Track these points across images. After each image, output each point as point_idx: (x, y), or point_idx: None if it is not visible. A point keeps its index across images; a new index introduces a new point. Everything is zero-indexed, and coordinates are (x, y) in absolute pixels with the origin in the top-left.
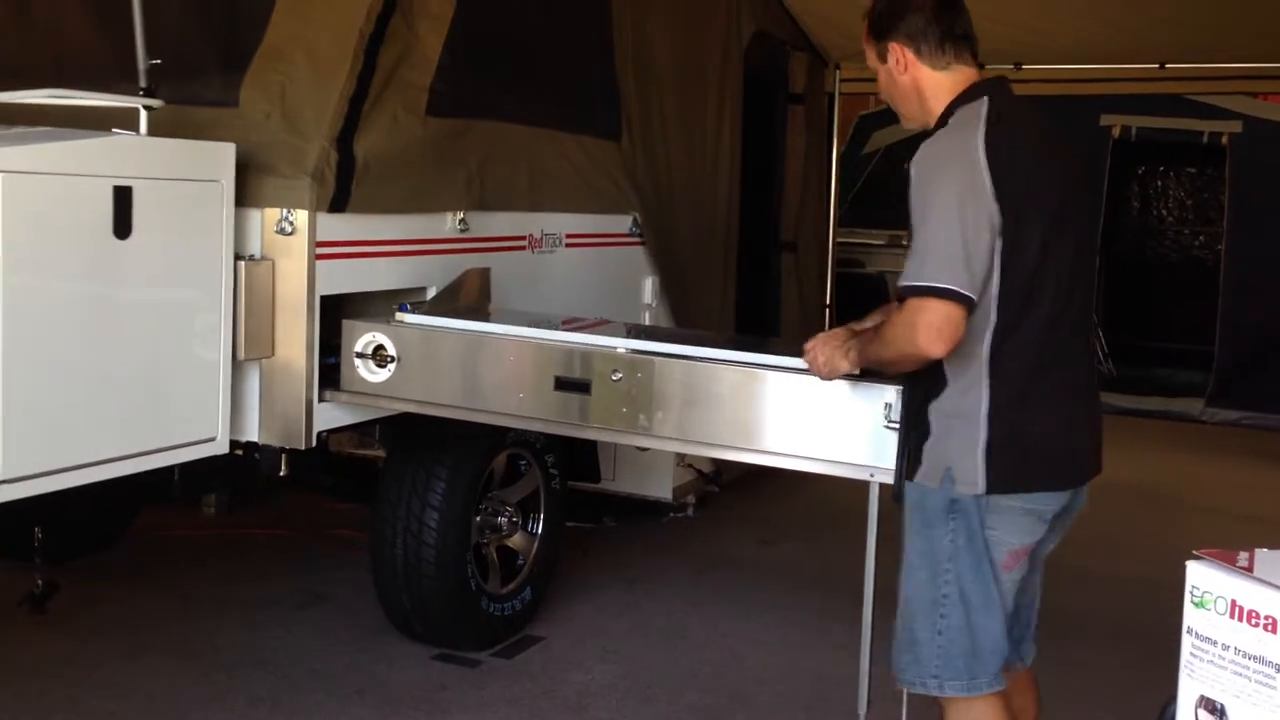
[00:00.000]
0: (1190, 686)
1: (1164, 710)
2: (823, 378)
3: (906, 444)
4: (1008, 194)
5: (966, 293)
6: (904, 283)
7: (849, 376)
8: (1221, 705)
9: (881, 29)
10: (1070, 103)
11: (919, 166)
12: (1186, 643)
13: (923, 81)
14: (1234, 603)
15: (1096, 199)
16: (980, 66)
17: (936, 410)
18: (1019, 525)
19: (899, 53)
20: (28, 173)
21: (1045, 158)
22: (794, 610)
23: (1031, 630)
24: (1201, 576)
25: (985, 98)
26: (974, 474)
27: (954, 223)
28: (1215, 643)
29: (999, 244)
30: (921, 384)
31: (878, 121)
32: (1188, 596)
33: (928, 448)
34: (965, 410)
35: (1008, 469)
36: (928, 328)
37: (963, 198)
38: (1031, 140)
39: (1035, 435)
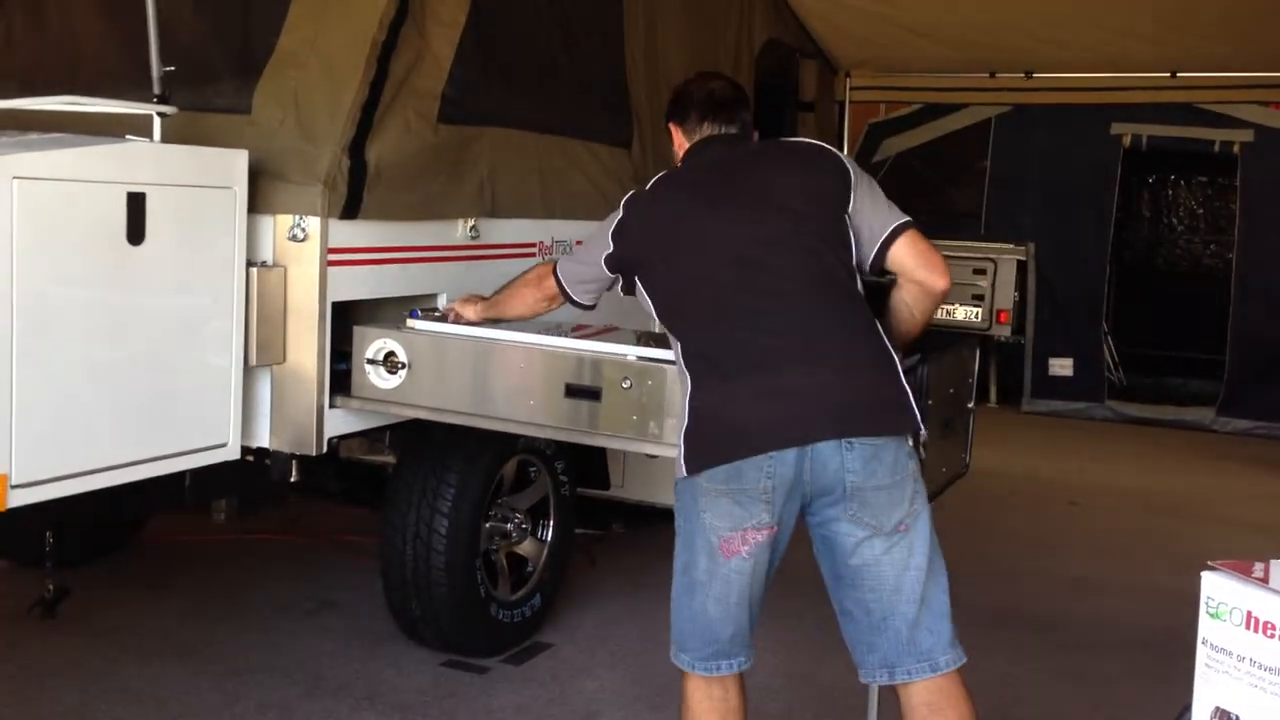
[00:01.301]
0: (1205, 698)
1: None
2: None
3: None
4: (634, 242)
5: (566, 286)
6: (558, 259)
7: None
8: (1237, 716)
9: (668, 113)
10: (1081, 111)
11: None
12: (1201, 654)
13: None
14: (1250, 614)
15: (837, 193)
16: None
17: None
18: (720, 507)
19: (674, 131)
20: (42, 179)
21: (699, 194)
22: (803, 618)
23: (914, 647)
24: (1217, 587)
25: (662, 176)
26: (681, 458)
27: (586, 248)
28: (1230, 654)
29: (639, 273)
30: None
31: (888, 129)
32: (1203, 607)
33: None
34: (683, 404)
35: (694, 450)
36: (545, 288)
37: (598, 236)
38: (673, 202)
39: (705, 414)
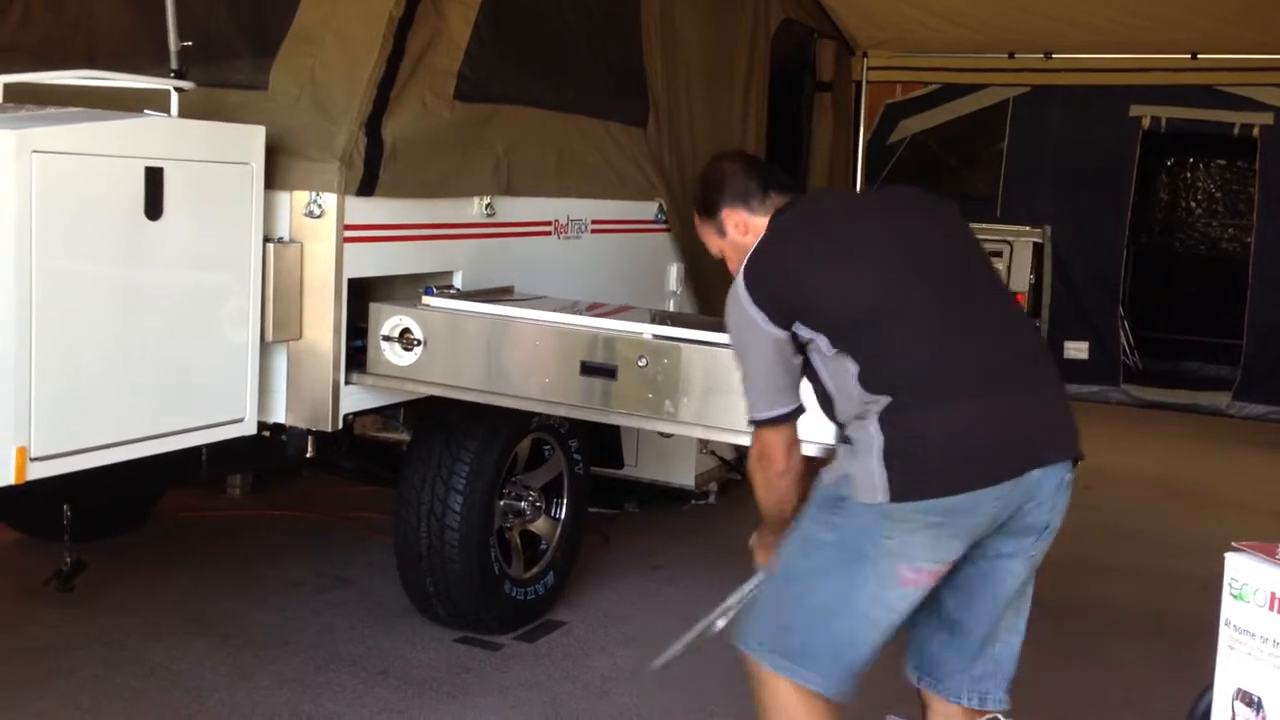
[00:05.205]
0: (1227, 680)
1: (1198, 700)
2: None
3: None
4: (785, 304)
5: (787, 409)
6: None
7: None
8: (1259, 698)
9: (712, 206)
10: (1100, 93)
11: (726, 313)
12: (1224, 635)
13: (756, 232)
14: (1274, 595)
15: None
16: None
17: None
18: (919, 540)
19: (736, 217)
20: (61, 153)
21: (835, 229)
22: None
23: (1001, 671)
24: (1241, 569)
25: (770, 225)
26: (870, 482)
27: (755, 363)
28: (1254, 635)
29: (808, 324)
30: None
31: (904, 110)
32: (1226, 588)
33: (839, 449)
34: (862, 423)
35: (902, 477)
36: (763, 453)
37: (752, 342)
38: (810, 229)
39: (924, 440)
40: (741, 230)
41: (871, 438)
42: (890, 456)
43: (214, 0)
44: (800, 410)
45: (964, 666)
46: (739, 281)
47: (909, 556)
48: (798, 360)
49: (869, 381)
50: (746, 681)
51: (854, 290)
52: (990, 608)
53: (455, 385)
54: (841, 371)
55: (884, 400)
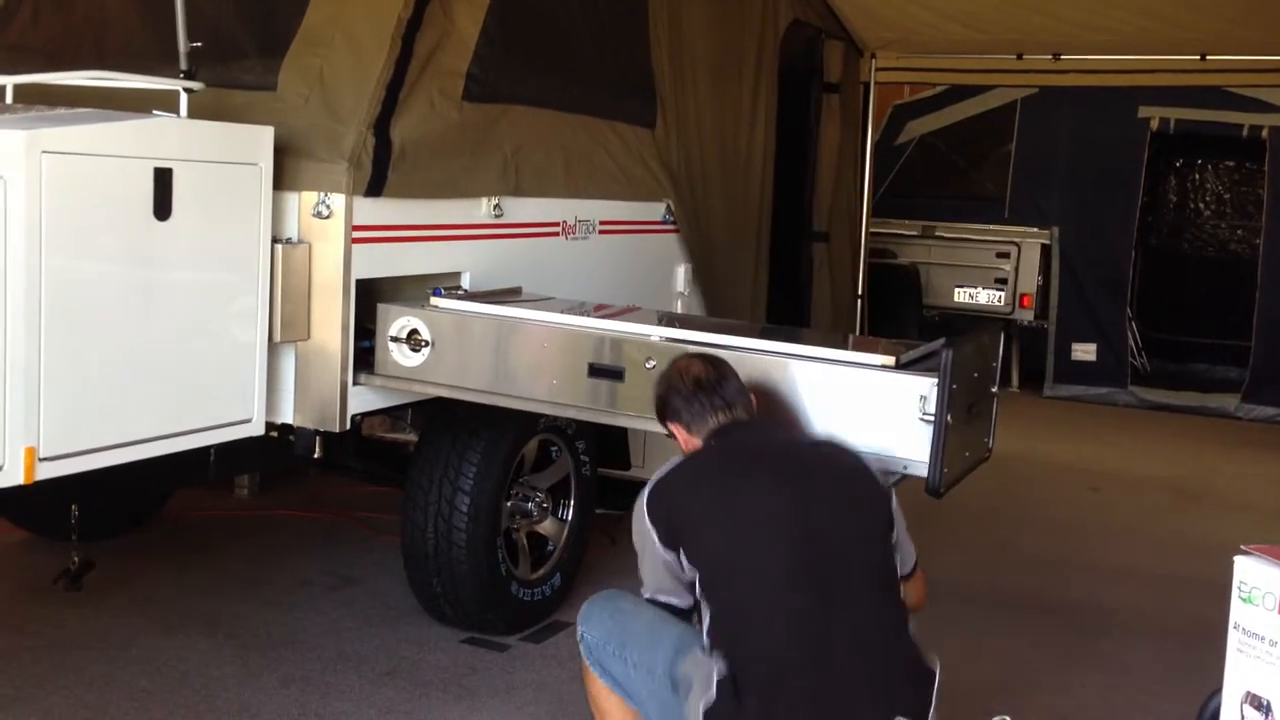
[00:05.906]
0: (1236, 683)
1: (1207, 702)
2: None
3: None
4: (674, 531)
5: (667, 600)
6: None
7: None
8: (1268, 701)
9: (661, 416)
10: (1109, 94)
11: (634, 515)
12: (1233, 638)
13: (694, 447)
14: None
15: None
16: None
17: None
18: None
19: (679, 431)
20: (70, 153)
21: (734, 480)
22: None
23: None
24: (1250, 572)
25: (687, 456)
26: (693, 716)
27: (648, 566)
28: (1263, 639)
29: (684, 558)
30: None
31: (912, 111)
32: (1235, 591)
33: (698, 654)
34: (710, 666)
35: None
36: None
37: (646, 550)
38: (714, 473)
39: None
40: (684, 442)
41: (708, 685)
42: (708, 715)
43: (223, 1)
44: (692, 610)
45: None
46: (644, 494)
47: None
48: (689, 576)
49: (713, 635)
50: None
51: (724, 546)
52: None
53: (462, 386)
54: (702, 612)
55: (724, 665)
